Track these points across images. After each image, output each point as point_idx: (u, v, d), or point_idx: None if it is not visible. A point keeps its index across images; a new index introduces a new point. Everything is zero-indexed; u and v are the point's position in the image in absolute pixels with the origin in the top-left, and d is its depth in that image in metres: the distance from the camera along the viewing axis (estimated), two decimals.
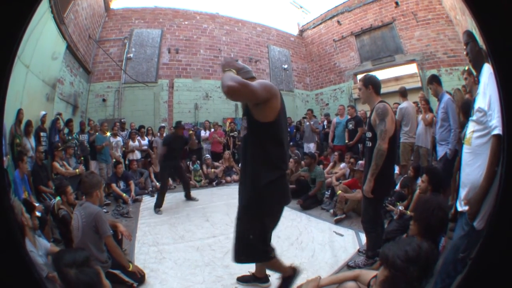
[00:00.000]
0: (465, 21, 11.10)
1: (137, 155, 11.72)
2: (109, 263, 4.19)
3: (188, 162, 12.86)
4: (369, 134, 4.39)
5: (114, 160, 10.65)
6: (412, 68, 14.89)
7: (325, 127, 12.98)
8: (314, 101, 19.87)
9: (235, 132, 14.31)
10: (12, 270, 1.66)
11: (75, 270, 2.32)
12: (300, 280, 4.17)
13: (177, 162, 8.69)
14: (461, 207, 3.07)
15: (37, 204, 5.46)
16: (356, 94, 16.42)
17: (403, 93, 8.40)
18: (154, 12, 16.98)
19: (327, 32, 19.24)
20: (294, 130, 13.99)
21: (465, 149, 3.11)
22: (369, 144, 4.35)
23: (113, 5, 16.46)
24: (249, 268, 4.28)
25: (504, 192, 1.68)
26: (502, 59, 1.58)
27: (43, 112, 9.05)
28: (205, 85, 16.79)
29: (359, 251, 5.24)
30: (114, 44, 15.80)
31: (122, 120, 13.36)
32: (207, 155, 12.53)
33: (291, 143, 12.41)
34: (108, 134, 11.09)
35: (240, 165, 4.17)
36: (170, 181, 10.82)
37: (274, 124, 3.10)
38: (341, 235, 6.04)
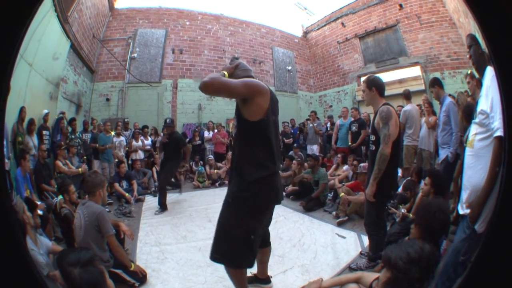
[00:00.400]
0: (468, 24, 11.12)
1: (140, 155, 11.72)
2: (111, 262, 4.20)
3: (191, 163, 12.89)
4: (372, 137, 4.36)
5: (116, 159, 10.65)
6: (416, 71, 14.90)
7: (329, 129, 12.99)
8: (317, 103, 19.89)
9: None
10: (12, 268, 1.66)
11: (79, 269, 2.32)
12: (302, 282, 4.18)
13: (171, 163, 8.64)
14: (462, 210, 3.06)
15: (39, 203, 5.46)
16: (359, 96, 16.44)
17: (407, 96, 8.39)
18: (158, 12, 17.01)
19: (331, 34, 19.25)
20: (298, 132, 14.01)
21: (468, 152, 3.11)
22: (373, 147, 4.32)
23: (118, 5, 16.52)
24: (251, 270, 4.27)
25: (505, 194, 1.68)
26: (504, 61, 1.58)
27: (46, 111, 9.06)
28: None
29: (361, 253, 5.22)
30: (118, 43, 15.84)
31: (126, 120, 13.37)
32: (210, 156, 12.55)
33: (294, 145, 12.44)
34: (112, 133, 11.10)
35: None
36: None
37: (261, 123, 3.07)
38: (343, 237, 6.02)
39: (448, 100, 6.42)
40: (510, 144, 1.74)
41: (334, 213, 7.24)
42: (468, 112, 4.88)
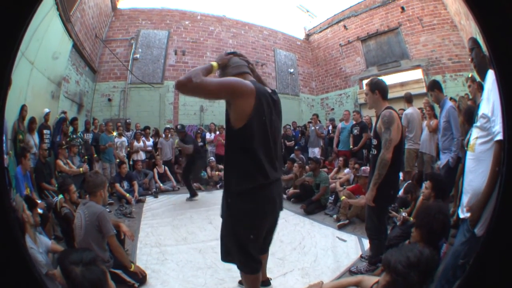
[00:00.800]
0: (469, 26, 11.13)
1: (142, 155, 11.74)
2: (111, 262, 4.20)
3: None
4: (374, 141, 4.33)
5: (118, 160, 10.66)
6: (418, 74, 14.91)
7: (330, 132, 13.01)
8: (319, 105, 19.89)
9: None
10: (11, 267, 1.66)
11: (82, 268, 2.31)
12: (302, 285, 4.19)
13: (200, 161, 8.89)
14: (463, 213, 3.06)
15: (39, 201, 5.47)
16: (361, 99, 16.44)
17: (409, 99, 8.39)
18: (161, 13, 17.03)
19: (334, 36, 19.27)
20: (299, 135, 14.00)
21: (469, 156, 3.10)
22: (374, 151, 4.28)
23: (120, 5, 16.53)
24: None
25: (504, 197, 1.68)
26: (504, 64, 1.58)
27: (47, 110, 9.08)
28: None
29: (361, 256, 5.22)
30: (121, 44, 15.86)
31: (128, 121, 13.39)
32: (212, 157, 12.52)
33: (296, 147, 12.42)
34: (115, 133, 11.11)
35: None
36: (174, 183, 10.96)
37: (244, 130, 2.78)
38: (344, 240, 6.02)
39: (448, 104, 6.36)
40: (510, 147, 1.74)
41: (335, 216, 7.24)
42: (469, 115, 4.87)
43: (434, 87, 6.49)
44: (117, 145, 10.94)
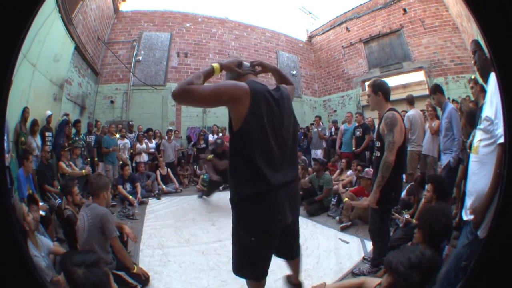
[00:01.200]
0: (471, 28, 11.12)
1: (144, 157, 11.80)
2: (114, 264, 4.21)
3: (195, 167, 12.91)
4: (377, 144, 4.29)
5: (121, 162, 10.67)
6: (420, 76, 14.90)
7: (333, 133, 12.98)
8: (322, 107, 19.89)
9: None
10: (16, 276, 1.66)
11: (84, 269, 2.31)
12: (305, 287, 4.18)
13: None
14: (466, 216, 3.05)
15: (41, 203, 5.48)
16: (364, 101, 16.46)
17: (410, 101, 8.39)
18: (163, 15, 17.07)
19: (336, 38, 19.29)
20: (302, 137, 13.99)
21: (472, 158, 3.10)
22: (377, 153, 4.26)
23: (122, 8, 16.58)
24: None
25: (505, 200, 1.68)
26: (506, 67, 1.57)
27: (49, 112, 9.10)
28: None
29: (364, 258, 5.21)
30: (123, 46, 15.90)
31: (131, 123, 13.42)
32: None
33: (298, 149, 12.42)
34: (117, 135, 11.12)
35: None
36: (177, 185, 10.98)
37: (239, 134, 2.66)
38: (347, 242, 6.01)
39: (450, 106, 6.46)
40: (511, 148, 1.74)
41: (337, 218, 7.23)
42: (471, 117, 4.88)
43: (436, 90, 6.58)
44: (119, 147, 10.97)
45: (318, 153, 12.44)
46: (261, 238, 2.87)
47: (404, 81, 15.39)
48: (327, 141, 13.00)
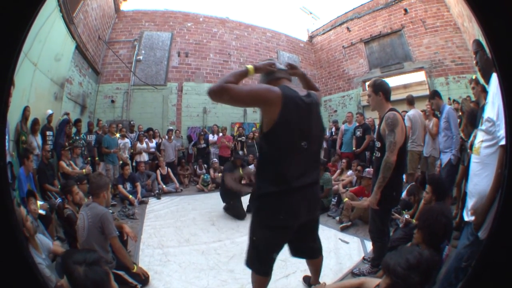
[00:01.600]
0: (472, 29, 11.12)
1: (145, 157, 11.80)
2: (114, 263, 4.20)
3: (195, 166, 12.91)
4: (378, 144, 4.27)
5: (121, 161, 10.68)
6: (421, 76, 14.89)
7: (333, 133, 12.97)
8: (322, 107, 19.78)
9: (243, 137, 14.34)
10: (22, 285, 1.66)
11: (85, 267, 2.31)
12: (304, 287, 4.18)
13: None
14: (467, 217, 3.04)
15: (42, 202, 5.48)
16: (364, 101, 16.44)
17: (411, 101, 8.40)
18: (164, 15, 17.08)
19: (337, 38, 19.29)
20: None
21: (474, 159, 3.08)
22: (378, 154, 4.24)
23: (123, 7, 16.60)
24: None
25: (506, 201, 1.68)
26: (508, 67, 1.57)
27: (50, 111, 9.11)
28: None
29: (364, 258, 5.21)
30: (124, 46, 15.92)
31: (132, 122, 13.42)
32: (215, 159, 12.54)
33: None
34: (118, 135, 11.13)
35: None
36: (177, 184, 10.98)
37: (269, 135, 2.79)
38: (347, 242, 6.01)
39: (447, 107, 6.70)
40: None
41: (337, 218, 7.22)
42: (471, 117, 4.89)
43: (434, 95, 6.86)
44: (120, 147, 10.99)
45: None
46: (273, 234, 3.02)
47: (405, 81, 15.39)
48: (328, 141, 12.99)
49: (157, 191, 10.34)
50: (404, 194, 6.19)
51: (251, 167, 12.16)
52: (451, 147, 6.40)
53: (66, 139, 9.32)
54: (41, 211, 4.87)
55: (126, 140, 11.59)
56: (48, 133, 8.72)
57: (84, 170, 8.47)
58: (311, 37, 21.38)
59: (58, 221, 5.73)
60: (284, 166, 2.82)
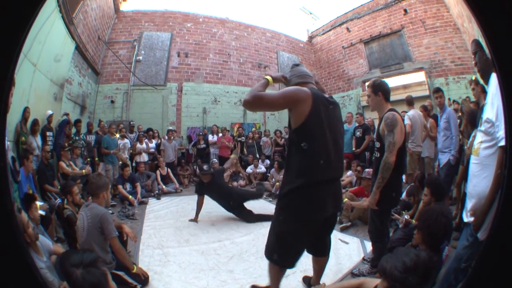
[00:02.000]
0: (472, 29, 11.13)
1: (145, 157, 11.80)
2: (113, 264, 4.19)
3: (195, 167, 12.92)
4: (377, 144, 4.27)
5: (121, 162, 10.68)
6: (420, 76, 14.90)
7: None
8: None
9: (243, 137, 14.37)
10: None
11: (82, 270, 2.31)
12: (304, 287, 4.18)
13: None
14: (467, 218, 3.03)
15: (41, 203, 5.47)
16: (364, 101, 16.44)
17: (410, 102, 8.42)
18: (164, 15, 17.10)
19: (336, 38, 19.30)
20: None
21: (473, 160, 3.07)
22: (377, 154, 4.24)
23: (123, 7, 16.61)
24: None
25: (506, 202, 1.67)
26: (507, 68, 1.57)
27: (50, 112, 9.11)
28: (214, 90, 16.90)
29: (363, 259, 5.21)
30: (124, 46, 15.92)
31: (131, 123, 13.41)
32: (215, 159, 12.54)
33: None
34: (117, 135, 11.13)
35: None
36: (177, 185, 10.98)
37: (301, 130, 3.00)
38: (346, 243, 6.00)
39: (448, 108, 6.82)
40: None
41: (337, 218, 7.22)
42: (471, 117, 4.89)
43: (440, 90, 6.81)
44: (119, 147, 10.98)
45: None
46: (302, 228, 3.15)
47: (404, 81, 15.41)
48: None
49: (157, 191, 10.37)
50: (403, 194, 6.19)
51: (249, 168, 12.18)
52: (449, 147, 6.47)
53: (66, 139, 9.31)
54: (41, 212, 4.86)
55: (126, 140, 11.57)
56: (48, 133, 8.73)
57: (83, 170, 8.46)
58: (311, 37, 21.40)
59: (58, 222, 5.73)
60: (315, 158, 3.00)
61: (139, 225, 7.23)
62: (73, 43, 11.22)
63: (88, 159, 9.79)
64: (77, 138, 9.79)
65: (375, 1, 17.13)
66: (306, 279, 4.31)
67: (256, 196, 8.23)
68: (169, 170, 11.68)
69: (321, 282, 3.87)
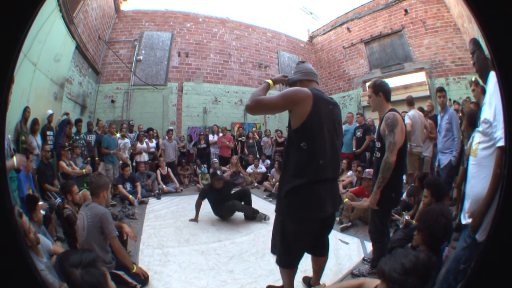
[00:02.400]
0: (472, 29, 11.12)
1: (145, 157, 11.79)
2: (113, 263, 4.20)
3: (195, 166, 12.92)
4: (378, 144, 4.27)
5: (121, 162, 10.68)
6: (421, 77, 14.89)
7: None
8: None
9: (243, 137, 14.38)
10: None
11: (81, 270, 2.30)
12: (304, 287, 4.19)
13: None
14: (465, 219, 3.01)
15: (41, 203, 5.47)
16: (365, 101, 16.44)
17: (410, 102, 8.43)
18: (164, 15, 17.10)
19: (337, 38, 19.30)
20: None
21: (471, 161, 3.06)
22: (378, 154, 4.24)
23: (124, 7, 16.61)
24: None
25: (505, 203, 1.67)
26: (507, 69, 1.56)
27: (50, 111, 9.12)
28: (214, 90, 16.90)
29: (364, 259, 5.21)
30: (124, 46, 15.93)
31: (131, 122, 13.41)
32: (215, 159, 12.53)
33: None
34: (118, 135, 11.13)
35: None
36: (177, 184, 10.99)
37: (301, 130, 3.03)
38: (347, 243, 6.00)
39: (450, 110, 6.84)
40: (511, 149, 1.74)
41: (337, 218, 7.20)
42: (472, 118, 4.88)
43: (443, 90, 6.86)
44: (119, 147, 11.01)
45: None
46: (303, 227, 3.21)
47: (405, 81, 15.40)
48: None
49: (157, 191, 10.38)
50: (404, 195, 6.18)
51: (250, 168, 12.17)
52: (450, 148, 6.48)
53: (66, 139, 9.32)
54: (41, 211, 4.86)
55: (126, 140, 11.58)
56: (48, 133, 8.73)
57: (84, 170, 8.47)
58: (311, 37, 21.40)
59: (58, 221, 5.73)
60: (313, 158, 3.04)
61: (139, 225, 7.23)
62: (73, 43, 11.22)
63: (88, 159, 9.79)
64: (77, 137, 9.80)
65: (375, 1, 17.13)
66: (306, 279, 4.32)
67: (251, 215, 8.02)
68: (169, 169, 11.68)
69: (321, 282, 3.87)
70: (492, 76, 2.84)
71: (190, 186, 12.27)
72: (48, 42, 8.96)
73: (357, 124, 11.20)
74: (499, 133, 2.57)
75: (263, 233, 6.49)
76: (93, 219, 3.98)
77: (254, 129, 16.46)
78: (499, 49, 1.58)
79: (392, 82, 14.73)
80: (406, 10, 15.45)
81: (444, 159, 6.65)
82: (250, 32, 19.21)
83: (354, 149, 10.92)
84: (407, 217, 5.24)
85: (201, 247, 5.87)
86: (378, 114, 4.43)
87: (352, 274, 4.70)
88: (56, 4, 9.38)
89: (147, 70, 15.91)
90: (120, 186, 9.26)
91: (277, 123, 17.64)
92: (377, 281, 2.81)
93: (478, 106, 4.84)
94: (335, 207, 3.48)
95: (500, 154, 2.54)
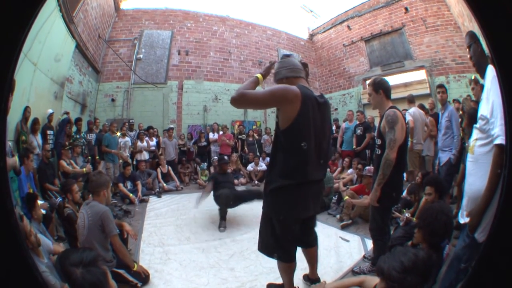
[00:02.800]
0: (473, 28, 11.10)
1: (145, 155, 11.76)
2: (114, 262, 4.20)
3: (195, 165, 12.92)
4: (378, 141, 4.27)
5: (121, 160, 10.68)
6: (421, 75, 14.88)
7: (334, 132, 12.95)
8: None
9: (244, 135, 14.36)
10: None
11: (82, 269, 2.31)
12: (305, 285, 4.18)
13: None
14: (463, 218, 2.98)
15: (42, 202, 5.47)
16: (365, 99, 16.42)
17: (411, 100, 8.43)
18: (164, 13, 17.08)
19: (337, 36, 19.29)
20: None
21: (469, 158, 3.01)
22: (378, 151, 4.23)
23: (123, 6, 16.59)
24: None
25: (506, 202, 1.67)
26: (507, 67, 1.56)
27: (50, 111, 9.12)
28: (215, 88, 16.91)
29: (364, 257, 5.21)
30: (124, 44, 15.92)
31: (131, 121, 13.41)
32: (215, 157, 12.52)
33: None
34: (118, 134, 11.13)
35: None
36: (178, 182, 10.99)
37: (289, 131, 3.00)
38: (347, 240, 6.00)
39: (450, 107, 6.82)
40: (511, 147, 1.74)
41: (338, 216, 7.21)
42: (472, 117, 4.88)
43: (443, 86, 6.88)
44: (120, 145, 11.01)
45: None
46: (287, 224, 3.23)
47: (405, 79, 15.38)
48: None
49: (157, 189, 10.37)
50: (404, 192, 6.18)
51: (250, 166, 12.18)
52: (450, 146, 6.48)
53: (67, 138, 9.32)
54: (41, 211, 4.86)
55: (127, 138, 11.57)
56: (49, 132, 8.73)
57: (84, 169, 8.47)
58: (311, 35, 21.38)
59: (58, 220, 5.73)
60: (299, 160, 3.03)
61: (140, 223, 7.24)
62: (73, 42, 11.22)
63: (89, 158, 9.79)
64: (77, 136, 9.80)
65: None
66: (306, 277, 4.32)
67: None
68: (169, 168, 11.67)
69: (321, 280, 3.87)
70: (490, 71, 2.82)
71: (190, 184, 12.25)
72: (48, 42, 8.95)
73: (358, 122, 11.18)
74: (497, 130, 2.53)
75: None
76: (94, 217, 3.98)
77: (254, 127, 16.47)
78: (500, 48, 1.58)
79: (392, 80, 14.70)
80: (406, 8, 15.43)
81: (444, 157, 6.66)
82: (250, 30, 19.20)
83: (354, 146, 10.92)
84: (407, 214, 5.25)
85: (202, 245, 5.88)
86: (378, 111, 4.42)
87: (353, 272, 4.71)
88: (56, 3, 9.37)
89: (147, 69, 15.91)
90: (121, 185, 9.30)
91: None
92: (377, 279, 2.81)
93: (478, 104, 4.84)
94: (317, 208, 3.56)
95: (498, 152, 2.50)
